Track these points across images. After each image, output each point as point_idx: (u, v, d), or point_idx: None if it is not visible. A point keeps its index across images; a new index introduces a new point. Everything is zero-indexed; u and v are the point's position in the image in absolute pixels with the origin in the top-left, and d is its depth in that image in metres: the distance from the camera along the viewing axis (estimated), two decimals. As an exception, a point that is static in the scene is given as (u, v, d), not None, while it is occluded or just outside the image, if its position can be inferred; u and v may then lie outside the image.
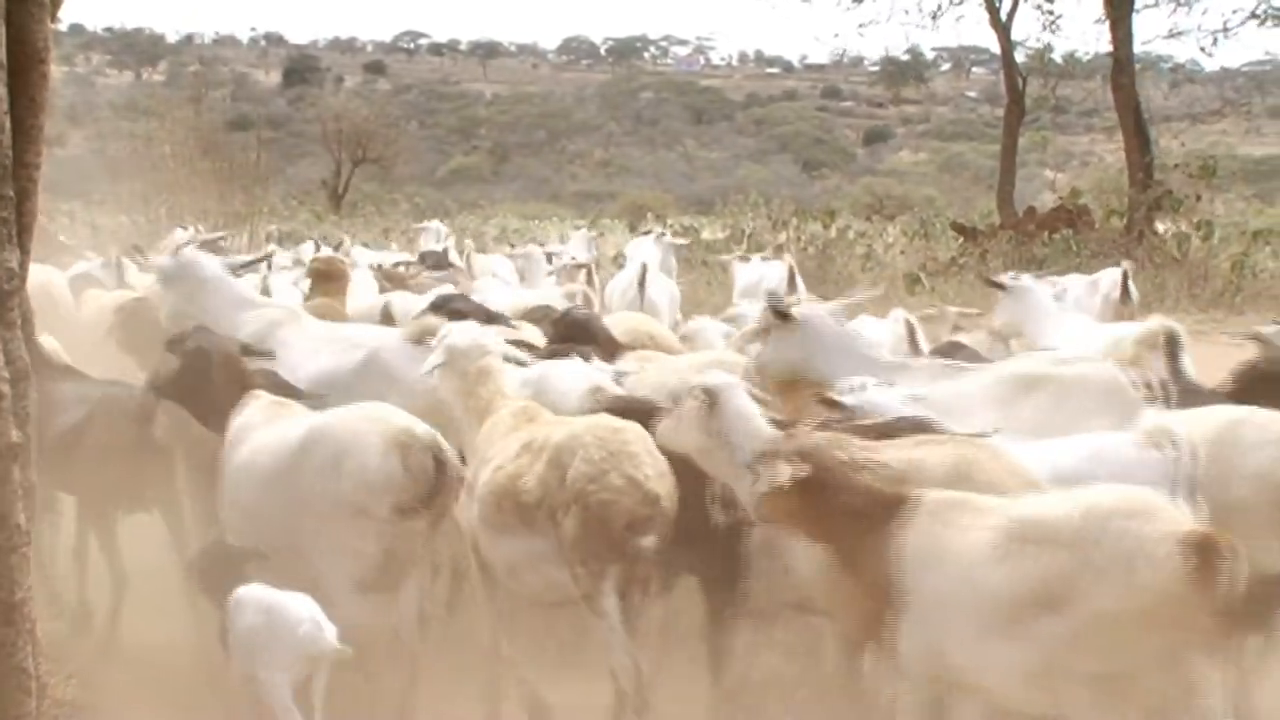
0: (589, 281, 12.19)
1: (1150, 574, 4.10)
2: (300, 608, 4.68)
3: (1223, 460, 5.37)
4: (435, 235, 16.39)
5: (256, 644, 4.63)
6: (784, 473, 4.57)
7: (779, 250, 14.76)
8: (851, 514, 4.55)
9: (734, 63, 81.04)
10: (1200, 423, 5.53)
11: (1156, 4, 21.50)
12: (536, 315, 8.28)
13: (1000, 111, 26.09)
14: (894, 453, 4.99)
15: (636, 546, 5.04)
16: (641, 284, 11.50)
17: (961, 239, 21.52)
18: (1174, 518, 4.31)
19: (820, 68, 73.22)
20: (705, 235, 22.71)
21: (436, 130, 61.36)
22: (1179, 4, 21.32)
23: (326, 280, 9.39)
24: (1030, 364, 6.65)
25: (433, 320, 6.81)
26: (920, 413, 5.57)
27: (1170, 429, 5.15)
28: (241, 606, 4.71)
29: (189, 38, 78.63)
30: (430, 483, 5.21)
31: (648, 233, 15.59)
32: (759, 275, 12.68)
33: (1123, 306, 10.86)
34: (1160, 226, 19.88)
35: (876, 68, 63.34)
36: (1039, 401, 6.18)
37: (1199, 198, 19.33)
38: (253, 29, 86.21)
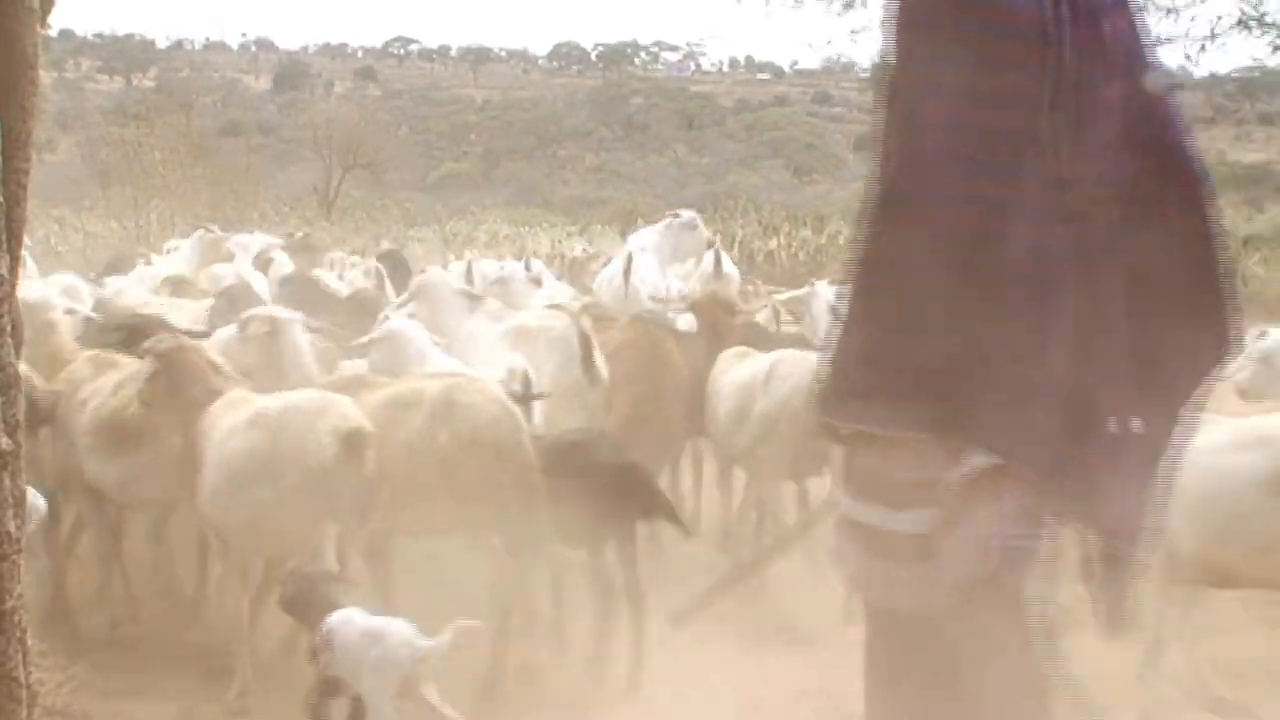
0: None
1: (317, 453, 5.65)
2: (396, 630, 5.07)
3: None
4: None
5: (361, 663, 4.99)
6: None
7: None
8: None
9: (725, 68, 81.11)
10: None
11: (1144, 8, 21.52)
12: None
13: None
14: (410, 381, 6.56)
15: None
16: (626, 274, 11.57)
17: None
18: (344, 414, 5.83)
19: (811, 73, 73.35)
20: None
21: (427, 136, 61.39)
22: (1166, 11, 21.34)
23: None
24: (528, 317, 8.75)
25: None
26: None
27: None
28: (341, 630, 5.08)
29: (179, 43, 78.68)
30: None
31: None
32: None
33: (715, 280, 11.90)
34: (1150, 233, 19.97)
35: (867, 74, 63.55)
36: (523, 346, 8.04)
37: (1189, 204, 19.44)
38: (243, 35, 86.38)
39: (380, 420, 6.05)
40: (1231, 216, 25.63)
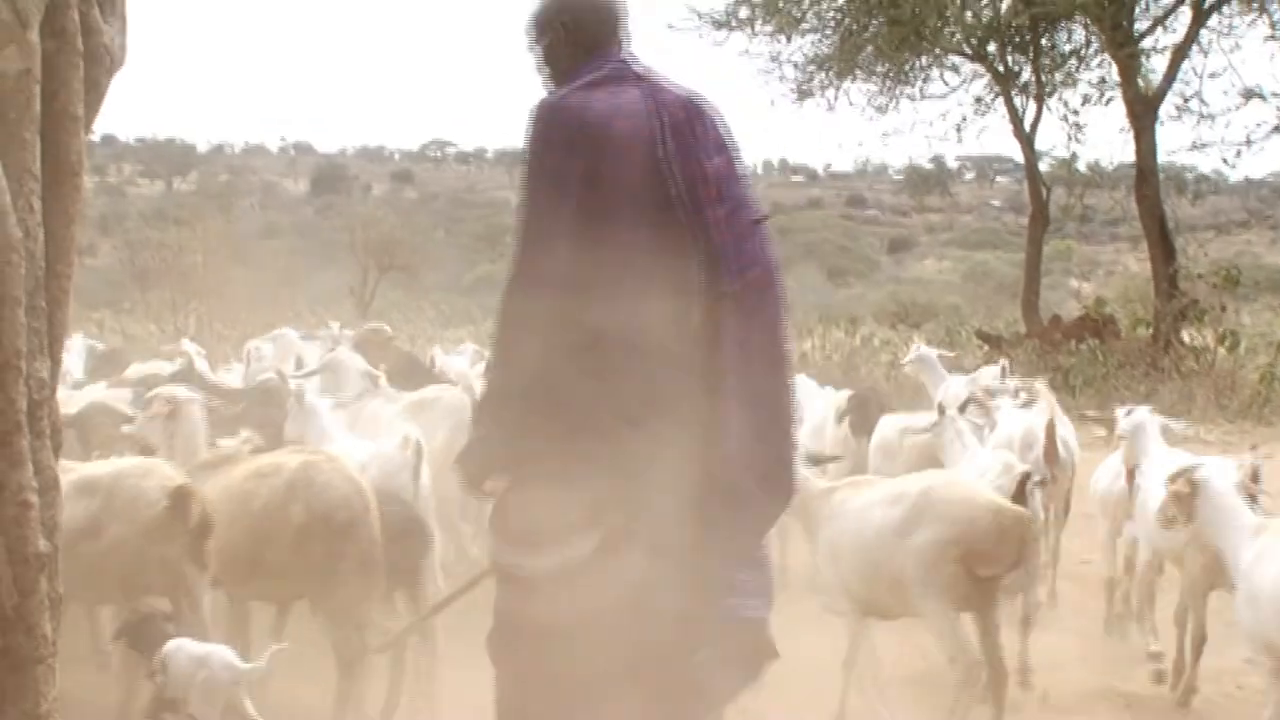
0: None
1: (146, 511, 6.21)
2: (219, 655, 5.87)
3: None
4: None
5: (191, 684, 5.75)
6: None
7: None
8: None
9: (758, 170, 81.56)
10: None
11: (1180, 117, 21.57)
12: None
13: (1024, 220, 26.19)
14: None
15: None
16: None
17: (987, 347, 21.53)
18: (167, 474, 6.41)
19: (845, 176, 73.63)
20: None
21: (463, 238, 61.72)
22: (1202, 116, 21.41)
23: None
24: (428, 393, 9.87)
25: None
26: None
27: None
28: (174, 657, 5.82)
29: (219, 147, 79.42)
30: None
31: None
32: None
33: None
34: (1187, 336, 19.87)
35: (900, 176, 63.69)
36: (419, 418, 9.05)
37: (1224, 308, 19.34)
38: (282, 138, 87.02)
39: (239, 492, 6.61)
40: (1269, 320, 25.56)
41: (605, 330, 4.15)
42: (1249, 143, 21.00)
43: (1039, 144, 23.04)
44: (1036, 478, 7.30)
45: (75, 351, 12.86)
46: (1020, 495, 6.87)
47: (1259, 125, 21.14)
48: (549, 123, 4.40)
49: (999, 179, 69.18)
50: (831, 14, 22.81)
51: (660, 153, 4.31)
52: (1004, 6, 20.86)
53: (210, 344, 18.04)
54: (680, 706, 4.21)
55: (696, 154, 4.34)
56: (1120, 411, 8.09)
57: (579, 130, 4.33)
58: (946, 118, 23.62)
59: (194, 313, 23.31)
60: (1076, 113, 22.78)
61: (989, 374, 10.95)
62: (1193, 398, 17.53)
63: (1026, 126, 22.68)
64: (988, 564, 6.25)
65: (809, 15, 22.60)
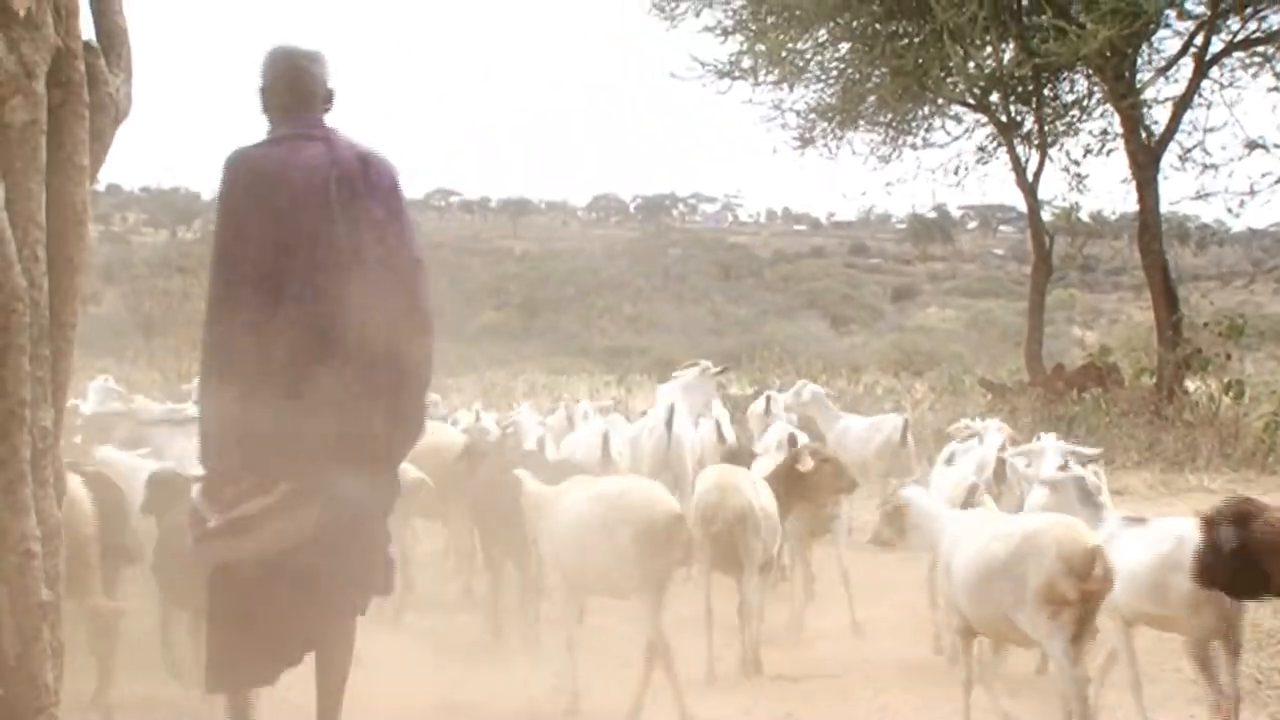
0: None
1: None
2: None
3: None
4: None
5: None
6: None
7: None
8: None
9: (761, 219, 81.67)
10: None
11: (1183, 167, 21.62)
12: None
13: (1027, 269, 26.21)
14: None
15: None
16: (668, 425, 11.74)
17: (990, 396, 21.51)
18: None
19: (848, 225, 73.78)
20: (733, 390, 22.76)
21: (467, 286, 61.75)
22: (1205, 166, 21.45)
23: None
24: None
25: None
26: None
27: None
28: None
29: (224, 196, 79.44)
30: None
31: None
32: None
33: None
34: (1191, 385, 19.84)
35: (903, 225, 63.91)
36: None
37: (1229, 357, 19.32)
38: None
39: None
40: (1273, 369, 25.53)
41: (285, 344, 5.41)
42: (1252, 193, 21.02)
43: (1042, 193, 23.07)
44: (980, 490, 8.53)
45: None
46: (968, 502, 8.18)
47: (1263, 176, 21.18)
48: (232, 170, 5.56)
49: (1002, 228, 69.32)
50: (834, 64, 22.88)
51: (332, 196, 5.43)
52: (1006, 57, 20.91)
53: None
54: (325, 619, 5.71)
55: (364, 200, 5.48)
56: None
57: (257, 176, 5.50)
58: (949, 167, 23.68)
59: (198, 361, 23.30)
60: (1078, 163, 22.82)
61: (994, 441, 11.04)
62: (1197, 447, 17.48)
63: (1029, 176, 22.70)
64: (662, 555, 7.51)
65: (812, 65, 22.66)
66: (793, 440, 11.05)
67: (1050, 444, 9.12)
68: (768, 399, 14.79)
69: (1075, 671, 6.46)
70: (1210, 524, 6.52)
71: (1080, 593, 6.42)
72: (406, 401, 5.71)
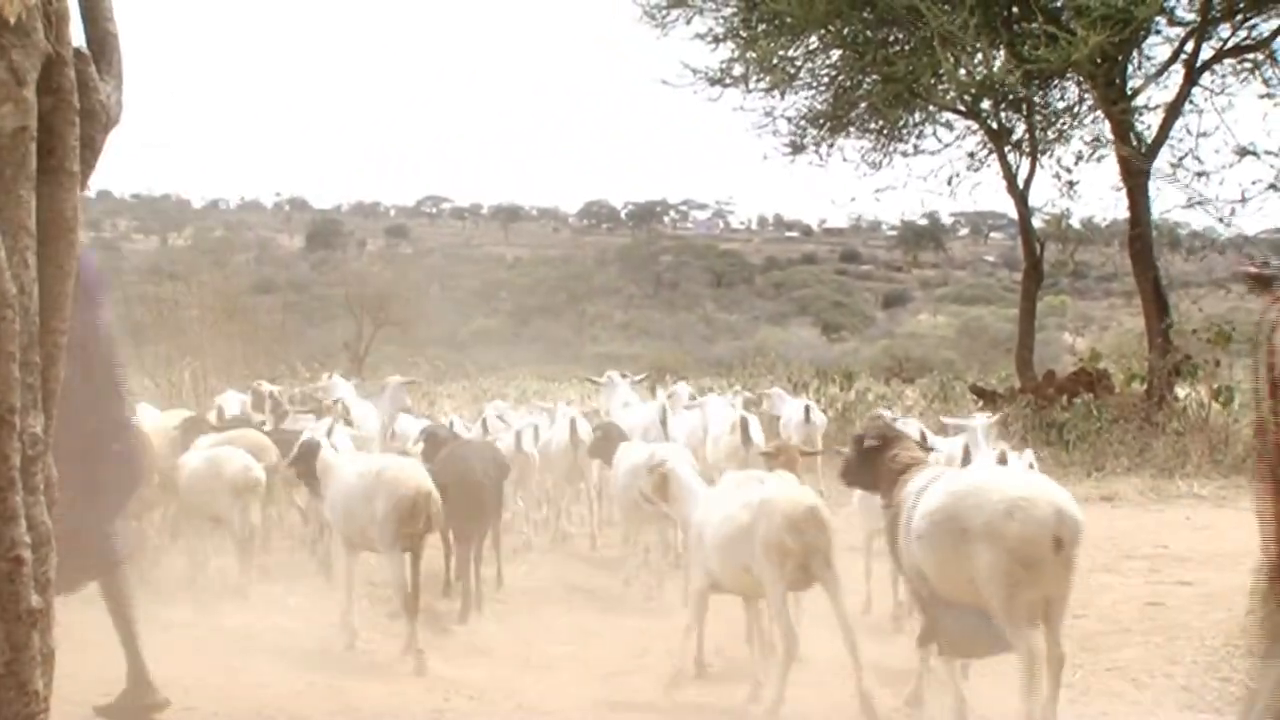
0: None
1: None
2: None
3: None
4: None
5: None
6: None
7: None
8: None
9: (753, 226, 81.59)
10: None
11: (1174, 174, 21.64)
12: None
13: (1018, 276, 26.24)
14: None
15: None
16: (663, 422, 12.61)
17: (981, 402, 21.54)
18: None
19: (839, 231, 73.77)
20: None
21: (458, 293, 61.73)
22: (1196, 173, 21.48)
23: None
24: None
25: None
26: None
27: None
28: None
29: (214, 203, 79.38)
30: None
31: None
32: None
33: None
34: (1181, 392, 19.87)
35: (895, 232, 63.97)
36: None
37: (1218, 363, 19.35)
38: (277, 194, 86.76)
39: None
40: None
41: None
42: (1244, 200, 21.06)
43: (1032, 200, 23.10)
44: None
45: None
46: None
47: (1254, 183, 21.21)
48: None
49: (993, 235, 69.44)
50: (825, 71, 22.91)
51: None
52: (997, 64, 20.93)
53: (204, 400, 18.05)
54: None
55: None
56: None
57: None
58: (940, 174, 23.71)
59: (189, 368, 23.26)
60: (1069, 169, 22.84)
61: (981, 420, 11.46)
62: (1187, 453, 17.52)
63: (1020, 183, 22.74)
64: (410, 523, 8.94)
65: (803, 72, 22.69)
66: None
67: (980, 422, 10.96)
68: (806, 409, 15.36)
69: (786, 622, 7.60)
70: (859, 440, 7.98)
71: (800, 545, 7.57)
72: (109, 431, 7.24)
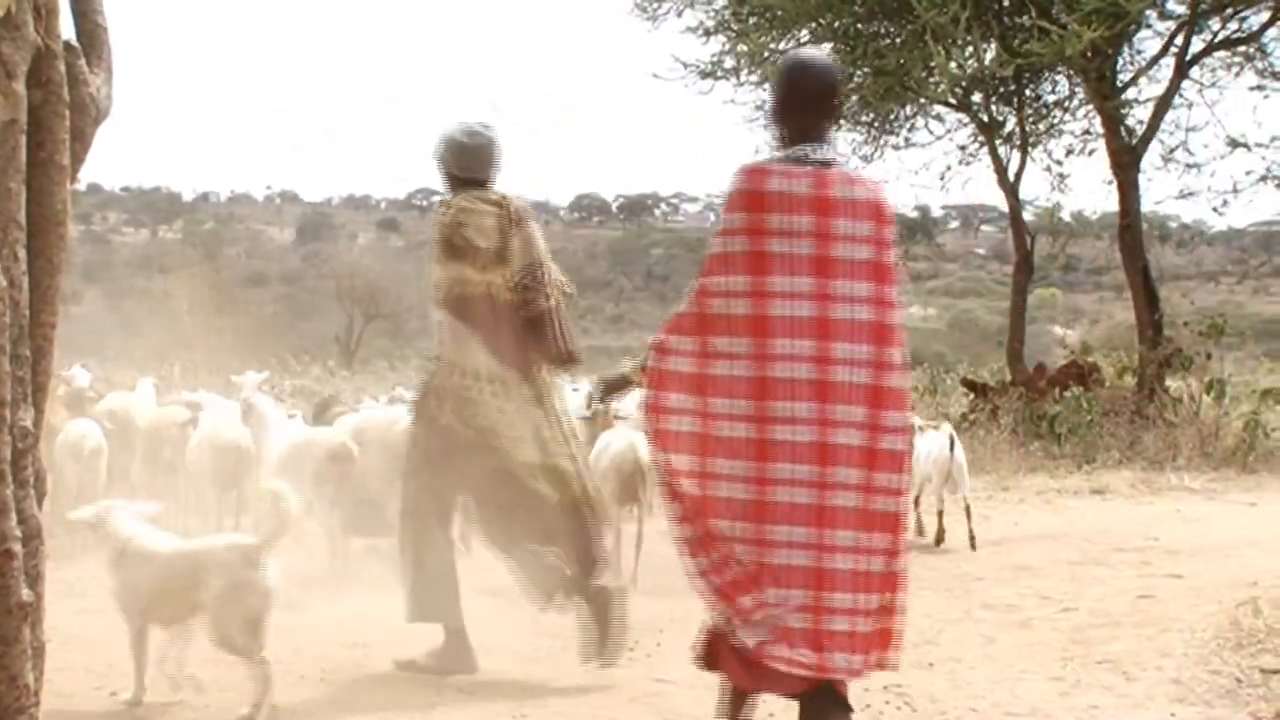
0: None
1: None
2: None
3: None
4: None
5: None
6: None
7: None
8: None
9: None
10: None
11: (1165, 166, 21.67)
12: None
13: (1009, 269, 26.25)
14: None
15: None
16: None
17: (972, 395, 21.55)
18: None
19: (830, 225, 73.60)
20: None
21: (449, 286, 61.59)
22: (1188, 166, 21.50)
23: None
24: None
25: None
26: None
27: None
28: None
29: (205, 196, 79.46)
30: None
31: None
32: None
33: None
34: (1171, 384, 19.88)
35: (885, 226, 63.82)
36: None
37: (1209, 356, 19.37)
38: (268, 187, 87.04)
39: None
40: (1253, 369, 25.59)
41: None
42: (1235, 191, 21.08)
43: (1023, 193, 23.10)
44: None
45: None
46: None
47: (1247, 174, 21.21)
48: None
49: (984, 228, 69.40)
50: (816, 64, 22.83)
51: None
52: (988, 57, 20.91)
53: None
54: None
55: None
56: None
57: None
58: (931, 167, 23.73)
59: (179, 361, 23.28)
60: (1060, 163, 22.87)
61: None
62: (1178, 445, 17.53)
63: (1011, 176, 22.74)
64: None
65: (794, 65, 22.62)
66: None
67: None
68: None
69: None
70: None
71: None
72: None
